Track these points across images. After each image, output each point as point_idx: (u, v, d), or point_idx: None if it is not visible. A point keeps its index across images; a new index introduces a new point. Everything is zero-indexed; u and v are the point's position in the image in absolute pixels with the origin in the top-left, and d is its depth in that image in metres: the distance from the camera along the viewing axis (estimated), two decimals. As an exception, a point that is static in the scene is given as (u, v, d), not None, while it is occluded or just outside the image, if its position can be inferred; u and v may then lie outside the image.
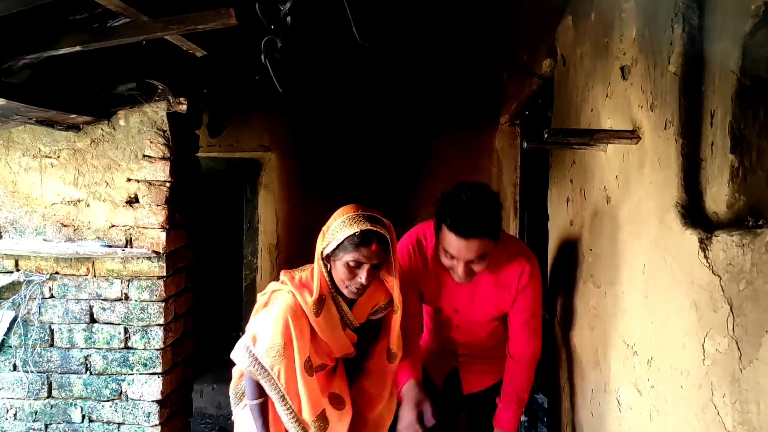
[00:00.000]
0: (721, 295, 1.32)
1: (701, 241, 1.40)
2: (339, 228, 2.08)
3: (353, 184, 4.08)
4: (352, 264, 2.06)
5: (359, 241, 2.03)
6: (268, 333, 2.10)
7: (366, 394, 2.34)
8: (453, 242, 2.00)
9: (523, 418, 3.77)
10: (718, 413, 1.34)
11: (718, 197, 1.45)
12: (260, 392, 2.15)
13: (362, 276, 2.07)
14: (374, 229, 2.05)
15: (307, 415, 2.15)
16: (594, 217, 2.15)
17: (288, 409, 2.14)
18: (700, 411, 1.42)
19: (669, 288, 1.57)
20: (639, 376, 1.77)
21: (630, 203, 1.83)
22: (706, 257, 1.38)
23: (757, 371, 1.20)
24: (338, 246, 2.06)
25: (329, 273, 2.14)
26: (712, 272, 1.35)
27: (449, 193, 2.05)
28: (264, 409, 2.18)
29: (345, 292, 2.14)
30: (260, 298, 2.25)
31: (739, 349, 1.26)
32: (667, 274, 1.58)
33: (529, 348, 2.28)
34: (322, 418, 2.19)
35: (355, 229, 2.04)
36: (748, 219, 1.37)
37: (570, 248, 2.40)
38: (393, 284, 2.22)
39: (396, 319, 2.26)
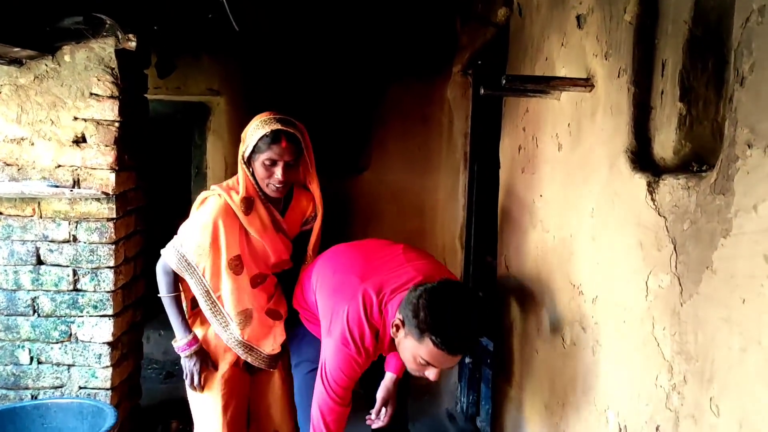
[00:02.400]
0: (666, 235, 1.40)
1: (649, 184, 1.47)
2: (253, 131, 2.26)
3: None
4: (267, 162, 2.24)
5: (270, 140, 2.22)
6: (196, 234, 2.26)
7: None
8: (439, 357, 1.83)
9: (467, 360, 3.91)
10: (658, 344, 1.44)
11: (665, 144, 1.52)
12: (175, 287, 2.32)
13: (278, 173, 2.24)
14: (284, 128, 2.23)
15: (230, 308, 2.31)
16: (545, 164, 2.22)
17: (212, 304, 2.30)
18: (641, 343, 1.52)
19: (616, 230, 1.65)
20: (583, 315, 1.87)
21: (581, 150, 1.90)
22: (653, 200, 1.46)
23: (697, 305, 1.29)
24: (254, 147, 2.25)
25: (253, 175, 2.30)
26: (658, 214, 1.43)
27: (432, 309, 1.80)
28: (178, 301, 2.35)
29: (267, 191, 2.31)
30: (193, 208, 2.37)
31: (680, 284, 1.35)
32: (615, 216, 1.66)
33: None
34: (245, 314, 2.33)
35: (266, 129, 2.22)
36: (692, 165, 1.45)
37: (520, 195, 2.47)
38: (315, 189, 2.46)
39: (316, 226, 2.50)
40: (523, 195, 2.42)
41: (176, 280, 2.34)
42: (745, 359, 1.14)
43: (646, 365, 1.49)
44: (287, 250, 2.46)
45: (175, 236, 2.30)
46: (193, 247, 2.26)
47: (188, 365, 2.34)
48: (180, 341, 2.33)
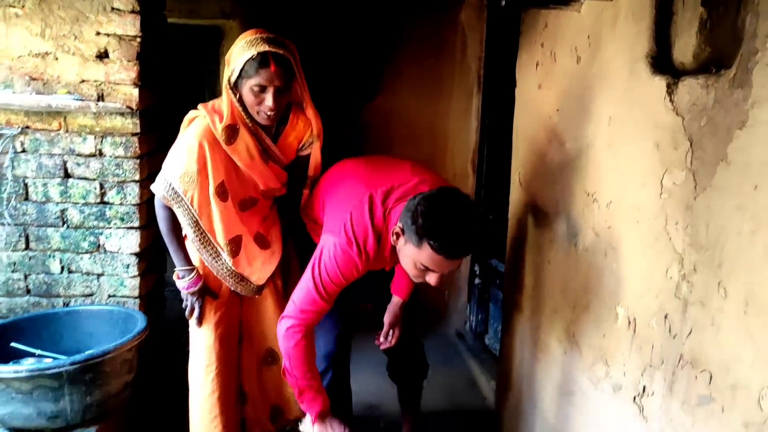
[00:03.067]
0: (683, 134, 1.47)
1: (668, 86, 1.53)
2: (239, 53, 2.08)
3: (319, 59, 4.06)
4: (256, 88, 2.07)
5: (258, 63, 2.03)
6: (182, 159, 2.16)
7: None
8: (438, 262, 1.85)
9: (477, 281, 4.04)
10: (670, 239, 1.52)
11: (685, 48, 1.56)
12: (174, 222, 2.26)
13: (268, 100, 2.08)
14: (273, 50, 2.04)
15: (219, 238, 2.25)
16: (563, 79, 2.26)
17: (201, 234, 2.24)
18: (653, 240, 1.60)
19: (633, 135, 1.71)
20: (597, 221, 1.95)
21: (600, 60, 1.94)
22: (671, 101, 1.52)
23: (709, 197, 1.37)
24: (240, 72, 2.07)
25: (240, 101, 2.15)
26: (676, 113, 1.50)
27: (429, 213, 1.82)
28: (179, 236, 2.30)
29: (258, 119, 2.17)
30: (181, 130, 2.26)
31: (695, 179, 1.42)
32: (632, 121, 1.72)
33: None
34: (235, 242, 2.28)
35: (253, 51, 2.03)
36: (711, 68, 1.50)
37: (536, 111, 2.52)
38: (310, 112, 2.31)
39: (316, 149, 2.38)
40: (540, 111, 2.47)
41: (174, 214, 2.26)
42: (755, 241, 1.22)
43: (657, 260, 1.58)
44: (278, 179, 2.35)
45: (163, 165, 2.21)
46: (180, 173, 2.15)
47: (190, 300, 2.33)
48: (184, 280, 2.31)
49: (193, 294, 2.32)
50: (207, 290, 2.36)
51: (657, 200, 1.58)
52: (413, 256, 1.89)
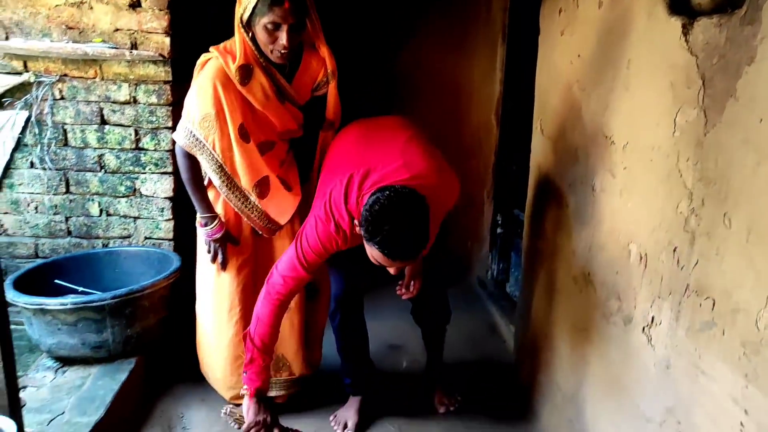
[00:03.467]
0: (696, 72, 1.52)
1: (684, 26, 1.57)
2: None
3: (351, 9, 4.08)
4: (269, 26, 2.04)
5: (271, 1, 2.00)
6: (199, 103, 2.14)
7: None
8: (385, 260, 1.91)
9: (499, 231, 4.12)
10: (681, 175, 1.59)
11: (702, -11, 1.60)
12: (195, 169, 2.27)
13: (282, 38, 2.05)
14: None
15: (245, 182, 2.24)
16: (584, 25, 2.29)
17: (226, 179, 2.22)
18: (665, 177, 1.67)
19: (650, 76, 1.76)
20: (614, 162, 2.01)
21: (621, 4, 1.97)
22: (686, 40, 1.56)
23: (719, 132, 1.43)
24: (253, 10, 2.04)
25: (253, 40, 2.13)
26: (690, 53, 1.54)
27: (374, 220, 1.85)
28: (200, 184, 2.31)
29: (272, 58, 2.14)
30: (194, 74, 2.25)
31: (705, 116, 1.48)
32: (650, 63, 1.77)
33: None
34: (262, 184, 2.27)
35: None
36: (728, 8, 1.53)
37: (558, 57, 2.55)
38: (324, 51, 2.28)
39: (332, 88, 2.35)
40: (562, 57, 2.51)
41: (196, 162, 2.26)
42: (758, 173, 1.28)
43: (668, 196, 1.65)
44: (295, 120, 2.34)
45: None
46: (198, 118, 2.15)
47: (213, 247, 2.35)
48: (207, 227, 2.32)
49: (216, 241, 2.34)
50: (229, 237, 2.38)
51: (670, 139, 1.64)
52: (369, 251, 1.94)
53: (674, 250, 1.62)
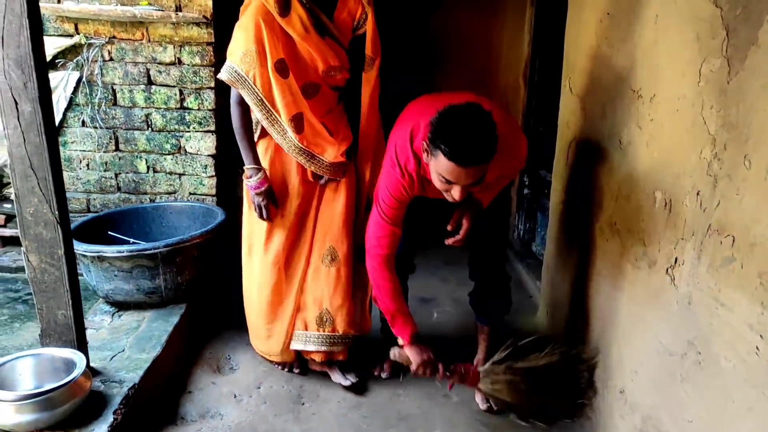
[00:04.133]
0: (720, 24, 1.61)
1: (710, -20, 1.66)
2: None
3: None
4: None
5: None
6: (241, 40, 2.22)
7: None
8: (452, 170, 1.88)
9: (526, 191, 4.22)
10: (705, 122, 1.69)
11: (729, -56, 1.67)
12: (245, 118, 2.33)
13: None
14: None
15: (283, 115, 2.28)
16: (614, -17, 2.37)
17: (267, 111, 2.27)
18: (690, 125, 1.77)
19: (677, 29, 1.85)
20: (641, 115, 2.11)
21: (650, -39, 2.05)
22: (712, -7, 1.65)
23: (741, 79, 1.52)
24: None
25: None
26: (716, 5, 1.63)
27: (443, 120, 1.89)
28: (249, 134, 2.36)
29: None
30: (240, 14, 2.30)
31: (729, 65, 1.57)
32: (677, 17, 1.85)
33: None
34: (296, 119, 2.30)
35: None
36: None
37: (587, 16, 2.63)
38: None
39: (369, 20, 2.36)
40: (591, 16, 2.59)
41: (247, 111, 2.33)
42: (777, 115, 1.38)
43: (692, 143, 1.75)
44: (337, 57, 2.34)
45: None
46: (240, 54, 2.21)
47: (257, 200, 2.39)
48: (252, 179, 2.36)
49: (259, 194, 2.37)
50: (271, 194, 2.42)
51: (695, 88, 1.73)
52: (435, 167, 1.94)
53: (697, 194, 1.72)
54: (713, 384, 1.63)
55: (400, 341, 2.28)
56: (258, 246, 2.53)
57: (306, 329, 2.56)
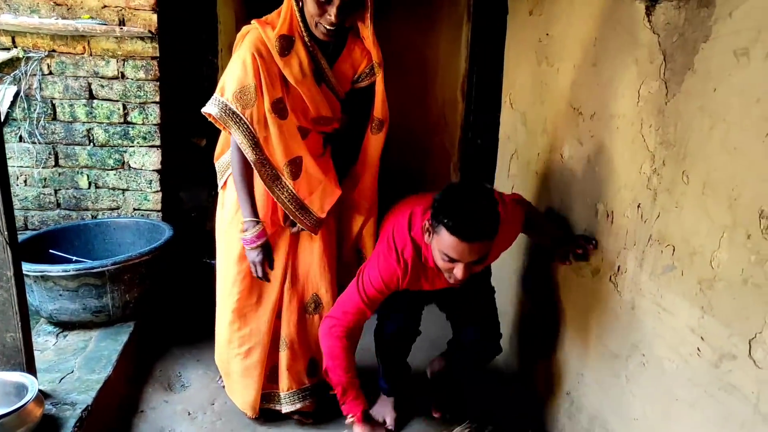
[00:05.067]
0: (658, 49, 1.74)
1: (647, 8, 1.79)
2: None
3: None
4: None
5: None
6: (237, 75, 2.03)
7: (352, 183, 2.38)
8: (455, 246, 1.85)
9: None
10: (644, 140, 1.81)
11: (663, -25, 1.81)
12: (246, 165, 2.12)
13: (332, 12, 1.95)
14: None
15: (279, 157, 2.11)
16: (552, 5, 2.50)
17: (261, 155, 2.09)
18: (630, 142, 1.89)
19: (615, 53, 1.98)
20: (581, 131, 2.23)
21: (588, -13, 2.19)
22: (649, 21, 1.78)
23: (678, 101, 1.65)
24: None
25: (301, 10, 2.04)
26: (653, 32, 1.76)
27: (446, 197, 1.91)
28: (249, 182, 2.16)
29: (316, 33, 2.05)
30: (234, 47, 2.16)
31: (666, 87, 1.70)
32: (615, 41, 1.98)
33: None
34: (295, 164, 2.15)
35: None
36: (684, -7, 1.76)
37: (527, 35, 2.76)
38: (369, 38, 2.16)
39: (379, 81, 2.24)
40: (531, 36, 2.71)
41: (247, 161, 2.12)
42: (712, 135, 1.51)
43: (632, 159, 1.88)
44: (330, 107, 2.20)
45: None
46: (235, 89, 2.02)
47: (251, 256, 2.19)
48: (248, 233, 2.16)
49: (254, 249, 2.17)
50: (269, 249, 2.24)
51: (634, 108, 1.86)
52: (438, 246, 1.91)
53: (638, 206, 1.85)
54: (657, 384, 1.75)
55: (350, 419, 2.18)
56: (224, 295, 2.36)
57: (296, 387, 2.42)
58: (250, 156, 2.08)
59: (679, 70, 1.64)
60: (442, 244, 1.88)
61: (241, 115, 2.03)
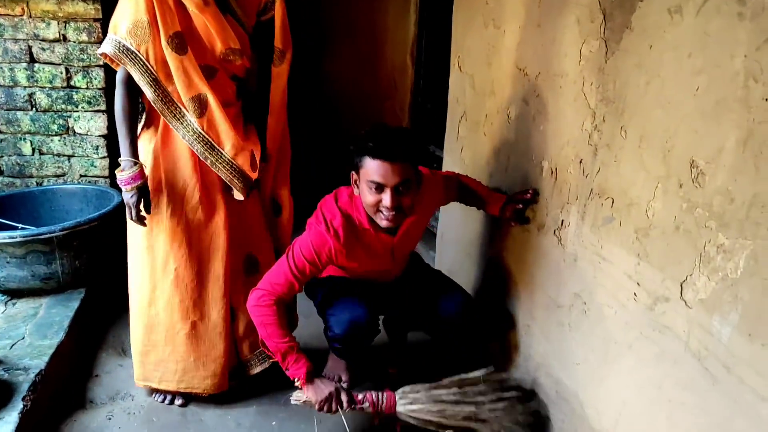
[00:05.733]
0: (599, 9, 1.80)
1: (588, -32, 1.84)
2: None
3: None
4: None
5: None
6: (130, 9, 1.97)
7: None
8: (378, 168, 1.92)
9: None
10: (585, 98, 1.88)
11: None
12: (128, 101, 2.06)
13: None
14: None
15: (181, 93, 2.04)
16: (499, -32, 2.54)
17: (162, 92, 2.03)
18: (572, 100, 1.96)
19: (558, 13, 2.03)
20: (527, 90, 2.29)
21: (532, -51, 2.23)
22: (590, -19, 1.84)
23: (617, 59, 1.72)
24: None
25: None
26: (594, -9, 1.82)
27: (366, 132, 1.98)
28: (131, 119, 2.08)
29: None
30: None
31: (606, 46, 1.77)
32: (559, 1, 2.04)
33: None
34: (198, 100, 2.06)
35: None
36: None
37: (474, -1, 2.80)
38: None
39: (278, 7, 2.19)
40: (477, -2, 2.75)
41: (132, 95, 2.07)
42: (648, 90, 1.59)
43: (575, 117, 1.95)
44: (239, 39, 2.12)
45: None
46: (128, 25, 1.96)
47: (127, 197, 2.08)
48: (125, 173, 2.05)
49: (130, 191, 2.06)
50: (146, 192, 2.11)
51: (576, 67, 1.93)
52: (364, 179, 1.97)
53: (580, 162, 1.93)
54: (597, 330, 1.85)
55: (297, 383, 2.12)
56: (140, 259, 2.24)
57: (260, 347, 2.27)
58: (149, 94, 2.02)
59: (618, 28, 1.70)
60: (367, 173, 1.95)
61: (136, 52, 1.97)
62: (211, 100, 2.07)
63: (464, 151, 3.00)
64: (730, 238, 1.32)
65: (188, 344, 2.25)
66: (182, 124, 2.08)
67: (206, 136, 2.09)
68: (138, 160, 2.09)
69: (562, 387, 2.07)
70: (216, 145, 2.11)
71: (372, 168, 1.94)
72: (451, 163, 3.19)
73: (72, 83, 2.90)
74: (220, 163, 2.12)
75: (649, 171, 1.59)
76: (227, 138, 2.12)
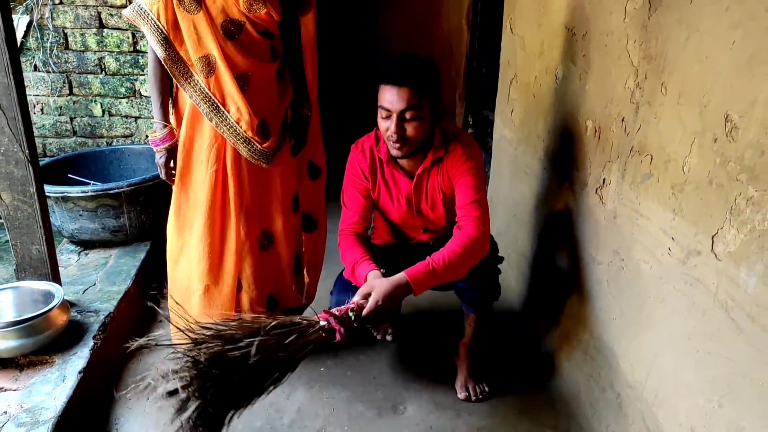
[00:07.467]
0: (643, -35, 1.79)
1: (633, -76, 1.84)
2: None
3: None
4: None
5: None
6: None
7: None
8: (385, 94, 1.94)
9: (470, 131, 4.42)
10: (629, 55, 1.89)
11: None
12: (159, 68, 2.09)
13: None
14: None
15: (191, 53, 2.04)
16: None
17: (171, 50, 2.03)
18: (616, 58, 1.97)
19: (605, -29, 2.03)
20: (574, 51, 2.30)
21: None
22: (635, -63, 1.83)
23: (659, 15, 1.72)
24: None
25: None
26: (638, -52, 1.81)
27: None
28: (164, 85, 2.13)
29: None
30: None
31: (649, 2, 1.77)
32: (605, -41, 2.03)
33: (472, 230, 2.00)
34: (205, 61, 2.04)
35: None
36: None
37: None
38: None
39: None
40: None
41: (161, 63, 2.07)
42: (687, 46, 1.59)
43: (618, 75, 1.95)
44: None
45: None
46: None
47: (157, 157, 2.17)
48: (156, 134, 2.14)
49: (160, 151, 2.14)
50: (174, 154, 2.16)
51: (621, 25, 1.93)
52: (378, 106, 1.99)
53: (622, 120, 1.94)
54: (633, 285, 1.88)
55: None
56: (175, 216, 2.28)
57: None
58: (159, 52, 2.03)
59: (661, -16, 1.70)
60: (379, 99, 1.98)
61: (149, 11, 2.00)
62: (220, 65, 2.04)
63: (514, 113, 3.02)
64: (759, 190, 1.34)
65: (201, 306, 2.24)
66: (190, 84, 2.06)
67: (212, 97, 2.06)
68: (168, 123, 2.15)
69: (599, 342, 2.12)
70: (221, 107, 2.08)
71: (381, 93, 1.98)
72: (501, 126, 3.22)
73: (138, 48, 3.06)
74: (225, 125, 2.09)
75: (686, 127, 1.61)
76: (232, 101, 2.07)
